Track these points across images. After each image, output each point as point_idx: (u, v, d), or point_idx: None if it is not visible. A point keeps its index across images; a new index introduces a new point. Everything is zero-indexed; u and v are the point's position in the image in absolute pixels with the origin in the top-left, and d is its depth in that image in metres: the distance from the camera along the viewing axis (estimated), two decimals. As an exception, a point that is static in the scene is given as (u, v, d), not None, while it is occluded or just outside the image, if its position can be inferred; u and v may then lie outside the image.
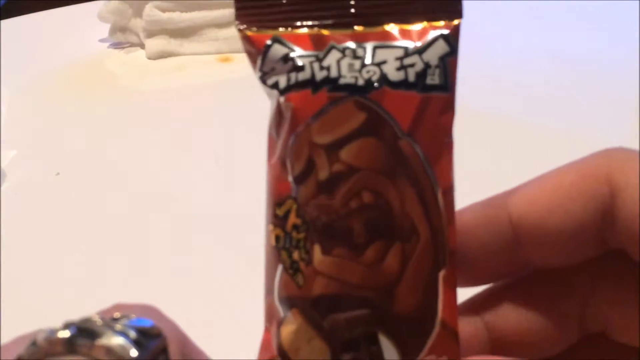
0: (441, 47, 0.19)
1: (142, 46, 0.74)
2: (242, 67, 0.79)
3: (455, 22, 0.19)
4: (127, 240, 0.45)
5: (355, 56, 0.18)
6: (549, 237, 0.18)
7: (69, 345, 0.16)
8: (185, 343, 0.18)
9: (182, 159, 0.54)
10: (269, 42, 0.19)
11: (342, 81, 0.18)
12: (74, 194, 0.51)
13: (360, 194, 0.18)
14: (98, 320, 0.17)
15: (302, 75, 0.18)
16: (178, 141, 0.57)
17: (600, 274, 0.19)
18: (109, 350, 0.16)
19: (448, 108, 0.19)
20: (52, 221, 0.48)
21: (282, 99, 0.18)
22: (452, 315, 0.19)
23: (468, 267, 0.19)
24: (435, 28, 0.19)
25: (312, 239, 0.18)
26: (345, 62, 0.18)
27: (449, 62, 0.18)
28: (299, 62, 0.18)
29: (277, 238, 0.19)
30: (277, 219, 0.19)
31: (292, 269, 0.18)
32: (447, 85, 0.18)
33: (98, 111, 0.64)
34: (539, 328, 0.19)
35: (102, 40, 0.77)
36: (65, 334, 0.16)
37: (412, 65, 0.18)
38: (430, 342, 0.18)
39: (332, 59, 0.18)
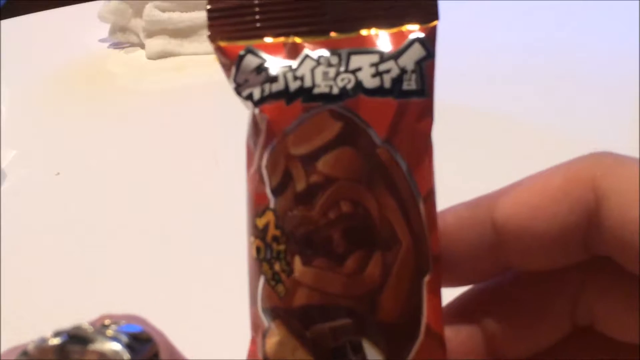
0: (417, 51, 0.18)
1: (142, 46, 0.74)
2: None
3: (432, 24, 0.18)
4: (127, 240, 0.45)
5: (329, 64, 0.18)
6: (532, 240, 0.18)
7: (61, 352, 0.16)
8: (172, 352, 0.18)
9: (182, 159, 0.54)
10: (242, 52, 0.19)
11: (316, 91, 0.18)
12: (74, 194, 0.51)
13: (338, 204, 0.18)
14: (88, 328, 0.17)
15: (276, 87, 0.18)
16: (178, 141, 0.57)
17: (589, 271, 0.19)
18: (101, 355, 0.16)
19: (426, 113, 0.18)
20: (52, 221, 0.48)
21: (256, 111, 0.18)
22: (437, 321, 0.19)
23: (450, 268, 0.19)
24: (411, 32, 0.18)
25: (293, 250, 0.18)
26: (319, 71, 0.18)
27: (425, 66, 0.18)
28: (273, 73, 0.18)
29: (258, 250, 0.18)
30: (257, 231, 0.18)
31: (274, 281, 0.18)
32: (425, 90, 0.18)
33: (98, 111, 0.64)
34: (531, 325, 0.19)
35: (102, 40, 0.77)
36: (57, 341, 0.16)
37: (387, 72, 0.18)
38: (415, 349, 0.18)
39: (306, 68, 0.18)
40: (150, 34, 0.72)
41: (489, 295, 0.20)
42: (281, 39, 0.18)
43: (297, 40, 0.18)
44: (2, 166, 0.54)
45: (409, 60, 0.18)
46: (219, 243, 0.44)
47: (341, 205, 0.18)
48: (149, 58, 0.72)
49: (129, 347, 0.16)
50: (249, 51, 0.18)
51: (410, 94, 0.18)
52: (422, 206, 0.18)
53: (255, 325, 0.19)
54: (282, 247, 0.18)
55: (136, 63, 0.72)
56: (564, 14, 0.77)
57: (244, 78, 0.18)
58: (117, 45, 0.76)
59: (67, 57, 0.74)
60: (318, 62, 0.18)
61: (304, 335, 0.18)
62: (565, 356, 0.20)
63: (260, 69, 0.18)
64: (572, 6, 0.77)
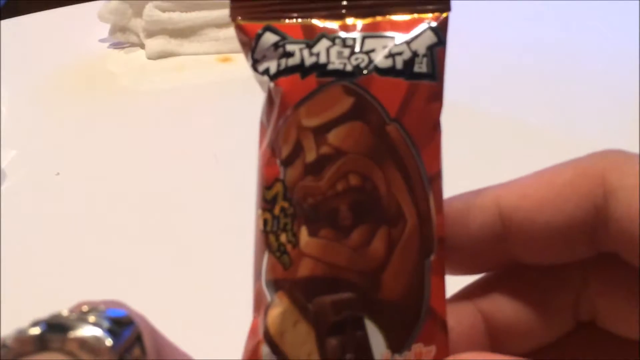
0: (429, 38, 0.19)
1: (142, 46, 0.74)
2: (242, 67, 0.79)
3: (444, 14, 0.19)
4: (127, 239, 0.45)
5: (344, 45, 0.19)
6: (538, 232, 0.18)
7: (41, 342, 0.15)
8: (154, 336, 0.18)
9: (182, 159, 0.54)
10: (260, 31, 0.19)
11: (330, 67, 0.18)
12: (74, 194, 0.51)
13: (347, 177, 0.18)
14: (68, 315, 0.16)
15: (292, 61, 0.18)
16: (178, 141, 0.57)
17: (592, 267, 0.19)
18: (82, 342, 0.15)
19: (436, 96, 0.19)
20: (52, 221, 0.48)
21: (272, 85, 0.19)
22: (441, 304, 0.19)
23: (453, 254, 0.19)
24: (424, 20, 0.19)
25: (299, 221, 0.18)
26: (334, 50, 0.19)
27: (436, 52, 0.19)
28: (289, 49, 0.19)
29: (265, 222, 0.19)
30: (266, 203, 0.19)
31: (279, 252, 0.18)
32: (435, 74, 0.19)
33: (98, 111, 0.64)
34: (534, 318, 0.19)
35: (102, 40, 0.77)
36: (36, 330, 0.15)
37: (400, 54, 0.19)
38: (417, 331, 0.18)
39: (321, 46, 0.19)
40: (150, 34, 0.72)
41: (493, 288, 0.20)
42: (299, 21, 0.19)
43: (315, 22, 0.19)
44: (2, 166, 0.54)
45: (420, 45, 0.19)
46: (219, 243, 0.44)
47: (350, 178, 0.18)
48: (149, 58, 0.72)
49: (110, 332, 0.16)
50: (268, 29, 0.19)
51: (421, 76, 0.19)
52: (428, 187, 0.19)
53: (258, 303, 0.19)
54: (288, 219, 0.18)
55: (136, 63, 0.72)
56: (563, 14, 0.77)
57: (262, 54, 0.19)
58: (117, 45, 0.76)
59: (67, 57, 0.74)
60: (333, 42, 0.19)
61: (306, 307, 0.18)
62: (566, 353, 0.20)
63: (278, 45, 0.19)
64: (572, 6, 0.77)
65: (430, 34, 0.19)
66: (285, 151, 0.18)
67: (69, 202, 0.50)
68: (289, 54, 0.19)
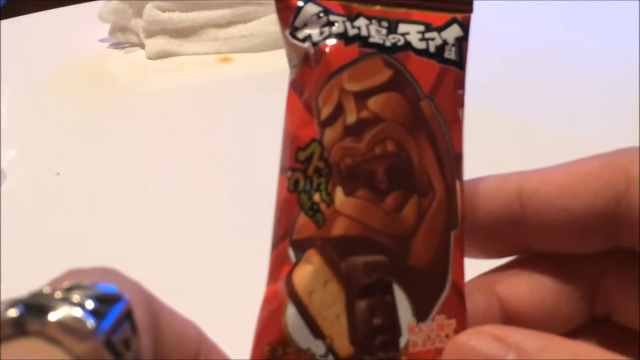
0: (456, 31, 0.20)
1: (142, 46, 0.74)
2: (242, 67, 0.79)
3: (467, 15, 0.20)
4: (127, 240, 0.45)
5: (380, 25, 0.19)
6: (555, 217, 0.18)
7: (18, 325, 0.14)
8: (152, 304, 0.17)
9: (182, 159, 0.54)
10: (301, 2, 0.20)
11: (371, 40, 0.19)
12: (74, 194, 0.51)
13: (384, 142, 0.19)
14: (48, 293, 0.15)
15: (335, 29, 0.19)
16: (178, 141, 0.57)
17: (611, 260, 0.19)
18: (63, 325, 0.14)
19: (461, 84, 0.20)
20: (52, 221, 0.48)
21: (312, 50, 0.19)
22: (461, 278, 0.19)
23: (471, 234, 0.19)
24: (451, 16, 0.20)
25: (334, 181, 0.18)
26: (373, 27, 0.19)
27: (462, 44, 0.20)
28: (332, 19, 0.19)
29: (297, 182, 0.19)
30: (299, 163, 0.19)
31: (312, 210, 0.18)
32: (461, 63, 0.20)
33: (98, 111, 0.64)
34: (550, 306, 0.19)
35: (102, 40, 0.77)
36: (13, 313, 0.14)
37: (432, 39, 0.20)
38: (441, 302, 0.19)
39: (361, 22, 0.19)
40: (150, 34, 0.72)
41: (511, 273, 0.20)
42: (338, 1, 0.20)
43: (353, 4, 0.20)
44: (2, 166, 0.54)
45: (449, 35, 0.20)
46: (219, 242, 0.44)
47: (387, 144, 0.19)
48: (149, 58, 0.72)
49: (95, 313, 0.14)
50: (310, 0, 0.20)
51: (450, 62, 0.20)
52: (455, 164, 0.19)
53: (277, 267, 0.19)
54: (323, 179, 0.19)
55: (136, 63, 0.72)
56: (564, 14, 0.77)
57: (304, 22, 0.19)
58: (117, 45, 0.76)
59: (67, 57, 0.74)
60: (370, 21, 0.19)
61: (338, 266, 0.18)
62: None
63: (320, 15, 0.19)
64: (572, 6, 0.77)
65: (457, 27, 0.20)
66: (325, 112, 0.19)
67: (69, 202, 0.50)
68: (332, 23, 0.19)
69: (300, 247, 0.18)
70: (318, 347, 0.18)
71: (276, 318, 0.18)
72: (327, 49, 0.19)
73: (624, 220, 0.18)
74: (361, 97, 0.19)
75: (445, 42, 0.20)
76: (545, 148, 0.51)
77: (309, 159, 0.19)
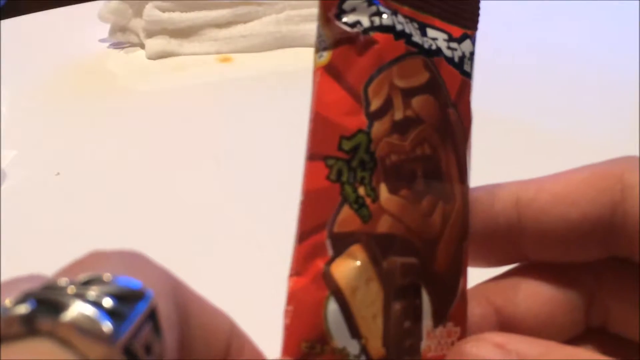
0: (469, 45, 0.20)
1: (142, 46, 0.73)
2: (242, 67, 0.79)
3: (473, 31, 0.21)
4: (127, 240, 0.45)
5: (413, 25, 0.19)
6: (551, 226, 0.18)
7: (28, 322, 0.13)
8: (180, 292, 0.15)
9: (182, 159, 0.54)
10: None
11: (414, 39, 0.19)
12: (74, 194, 0.51)
13: (423, 144, 0.19)
14: (64, 286, 0.13)
15: (386, 21, 0.18)
16: (178, 141, 0.57)
17: (606, 270, 0.19)
18: (77, 327, 0.12)
19: (471, 98, 0.20)
20: (52, 221, 0.48)
21: (363, 37, 0.18)
22: (466, 287, 0.19)
23: (470, 242, 0.19)
24: (463, 31, 0.20)
25: (379, 176, 0.18)
26: (410, 26, 0.19)
27: (473, 59, 0.20)
28: (381, 9, 0.19)
29: (340, 171, 0.18)
30: (343, 152, 0.18)
31: (357, 204, 0.18)
32: (471, 77, 0.20)
33: (98, 111, 0.64)
34: (547, 316, 0.19)
35: (102, 40, 0.77)
36: (23, 309, 0.13)
37: (455, 50, 0.20)
38: (452, 309, 0.18)
39: (401, 19, 0.19)
40: (150, 34, 0.72)
41: (508, 283, 0.20)
42: None
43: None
44: (2, 166, 0.54)
45: (466, 49, 0.20)
46: (219, 243, 0.44)
47: (425, 146, 0.19)
48: (149, 58, 0.72)
49: (113, 313, 0.13)
50: None
51: (468, 75, 0.20)
52: (468, 176, 0.19)
53: (309, 258, 0.17)
54: (367, 172, 0.18)
55: (136, 63, 0.72)
56: (563, 14, 0.77)
57: (352, 6, 0.18)
58: (117, 45, 0.76)
59: (67, 57, 0.74)
60: (406, 20, 0.19)
61: (380, 265, 0.18)
62: None
63: (370, 3, 0.18)
64: (572, 7, 0.77)
65: (469, 43, 0.20)
66: (375, 104, 0.18)
67: (69, 202, 0.50)
68: (381, 14, 0.18)
69: (343, 240, 0.17)
70: (353, 347, 0.17)
71: (316, 313, 0.17)
72: (380, 40, 0.18)
73: (619, 229, 0.18)
74: (407, 94, 0.18)
75: (464, 55, 0.20)
76: (545, 149, 0.51)
77: (355, 149, 0.18)
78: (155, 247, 0.44)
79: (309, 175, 0.18)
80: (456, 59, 0.19)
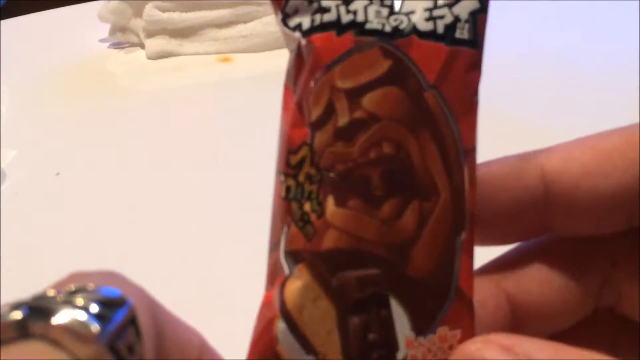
0: (472, 3, 0.18)
1: (142, 46, 0.73)
2: (242, 67, 0.79)
3: None
4: (127, 240, 0.45)
5: (382, 4, 0.17)
6: (582, 199, 0.18)
7: (22, 328, 0.14)
8: (154, 309, 0.16)
9: (182, 159, 0.54)
10: None
11: (368, 26, 0.17)
12: (74, 194, 0.51)
13: (380, 144, 0.17)
14: (52, 296, 0.15)
15: (327, 17, 0.17)
16: (178, 141, 0.57)
17: (621, 250, 0.19)
18: (67, 328, 0.14)
19: (476, 65, 0.18)
20: (52, 221, 0.48)
21: (303, 41, 0.17)
22: (469, 286, 0.18)
23: (488, 222, 0.18)
24: None
25: (326, 189, 0.17)
26: (372, 9, 0.17)
27: (479, 19, 0.18)
28: (325, 4, 0.17)
29: (288, 189, 0.17)
30: (290, 168, 0.17)
31: (302, 221, 0.17)
32: (477, 41, 0.18)
33: (98, 111, 0.64)
34: (560, 301, 0.19)
35: (102, 40, 0.77)
36: (17, 315, 0.14)
37: (441, 17, 0.17)
38: (444, 313, 0.17)
39: (359, 4, 0.17)
40: (150, 34, 0.72)
41: (519, 268, 0.19)
42: None
43: None
44: (2, 166, 0.54)
45: (463, 10, 0.18)
46: (219, 243, 0.44)
47: (383, 146, 0.17)
48: (149, 58, 0.72)
49: (99, 316, 0.14)
50: None
51: (462, 42, 0.18)
52: (464, 160, 0.18)
53: (273, 275, 0.18)
54: (314, 186, 0.17)
55: (136, 63, 0.72)
56: (564, 15, 0.77)
57: (294, 8, 0.17)
58: (117, 45, 0.76)
59: (67, 57, 0.74)
60: (371, 1, 0.17)
61: (328, 282, 0.17)
62: (581, 339, 0.19)
63: (312, 0, 0.17)
64: (572, 7, 0.77)
65: (471, 1, 0.18)
66: (315, 113, 0.17)
67: (69, 202, 0.50)
68: (325, 10, 0.17)
69: (291, 258, 0.17)
70: None
71: (268, 331, 0.17)
72: (317, 42, 0.17)
73: None
74: (355, 95, 0.17)
75: (457, 19, 0.17)
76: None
77: (300, 164, 0.17)
78: (155, 246, 0.44)
79: (274, 191, 0.18)
80: (440, 29, 0.17)
